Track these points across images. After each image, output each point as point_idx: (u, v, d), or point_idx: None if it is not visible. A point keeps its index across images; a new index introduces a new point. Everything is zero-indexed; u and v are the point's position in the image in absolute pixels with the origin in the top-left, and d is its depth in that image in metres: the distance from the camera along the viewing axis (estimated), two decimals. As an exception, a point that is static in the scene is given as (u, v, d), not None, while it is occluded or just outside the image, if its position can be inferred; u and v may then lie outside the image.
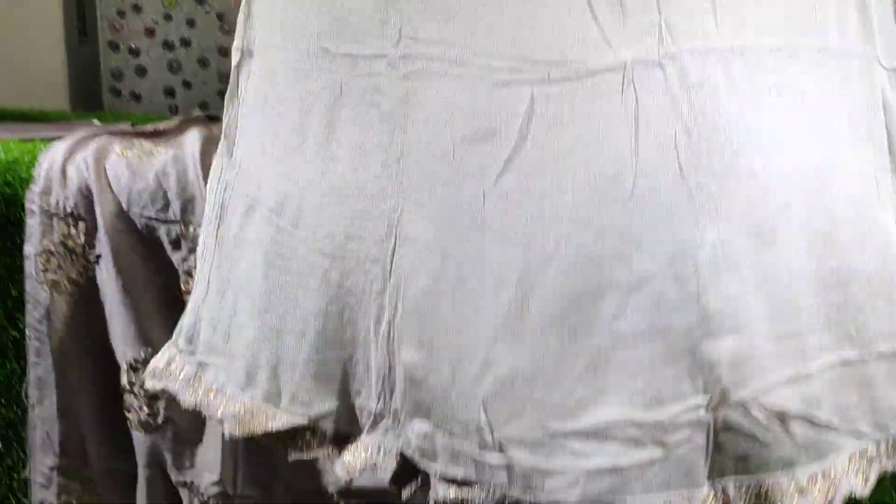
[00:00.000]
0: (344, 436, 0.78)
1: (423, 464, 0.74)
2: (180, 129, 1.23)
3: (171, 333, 0.90)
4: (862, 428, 0.73)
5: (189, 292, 1.05)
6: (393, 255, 0.73)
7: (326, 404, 0.78)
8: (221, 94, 2.10)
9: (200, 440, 1.12)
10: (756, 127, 0.70)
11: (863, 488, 0.72)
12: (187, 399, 0.83)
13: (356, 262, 0.74)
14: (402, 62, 0.72)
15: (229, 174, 0.82)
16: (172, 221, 1.04)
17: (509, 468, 0.70)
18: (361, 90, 0.74)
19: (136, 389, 1.09)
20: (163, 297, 1.08)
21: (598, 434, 0.69)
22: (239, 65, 0.83)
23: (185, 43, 2.07)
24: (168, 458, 1.12)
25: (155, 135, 1.19)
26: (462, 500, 0.72)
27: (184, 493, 1.14)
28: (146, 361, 1.06)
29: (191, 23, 2.05)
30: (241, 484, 1.13)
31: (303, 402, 0.78)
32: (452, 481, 0.72)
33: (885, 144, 0.76)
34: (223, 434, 1.03)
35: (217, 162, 0.84)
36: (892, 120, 0.76)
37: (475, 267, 0.70)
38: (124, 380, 1.09)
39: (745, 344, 0.68)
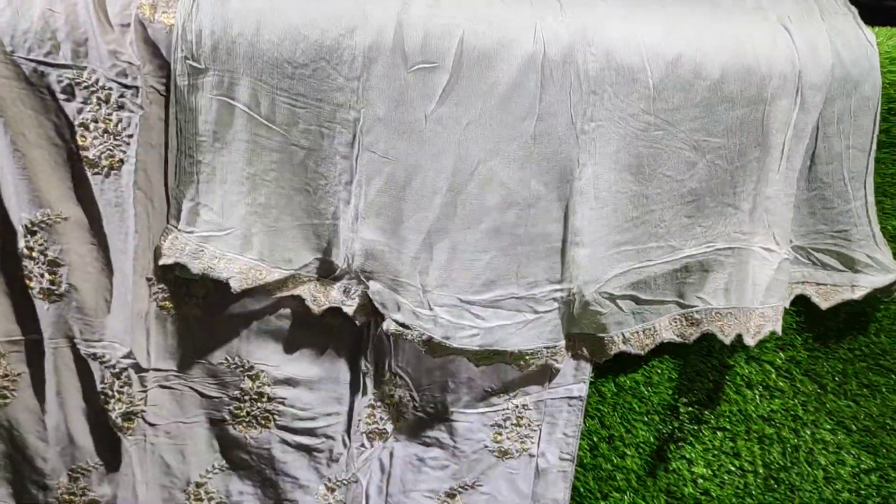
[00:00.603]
0: (320, 278, 1.02)
1: (379, 308, 1.00)
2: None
3: (69, 192, 0.99)
4: (685, 301, 1.02)
5: (86, 148, 0.95)
6: (357, 158, 0.95)
7: (307, 259, 1.01)
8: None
9: (108, 311, 1.04)
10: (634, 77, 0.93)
11: (679, 339, 1.04)
12: (196, 266, 0.98)
13: (328, 155, 0.96)
14: None
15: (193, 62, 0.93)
16: (63, 66, 0.93)
17: (434, 320, 0.99)
18: None
19: (34, 254, 1.00)
20: (57, 152, 0.97)
21: (493, 304, 0.99)
22: None
23: None
24: (75, 328, 1.05)
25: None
26: (401, 335, 1.01)
27: (94, 366, 1.07)
28: (44, 224, 0.97)
29: None
30: (153, 357, 1.07)
31: (288, 259, 1.00)
32: (397, 322, 1.00)
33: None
34: (131, 305, 0.97)
35: (177, 54, 0.92)
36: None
37: (418, 174, 0.95)
38: (21, 244, 0.99)
39: (594, 252, 0.97)
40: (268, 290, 1.01)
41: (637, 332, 1.03)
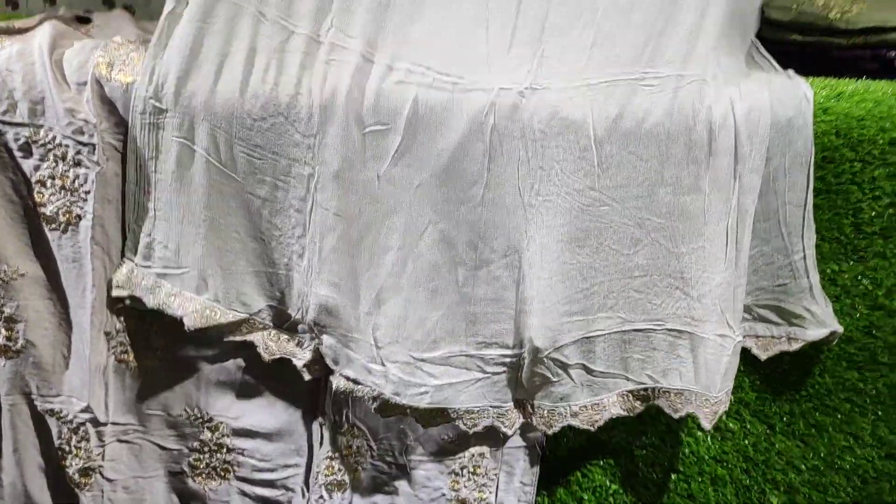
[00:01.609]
0: (274, 327, 1.04)
1: (330, 363, 1.01)
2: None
3: (27, 249, 1.01)
4: (633, 377, 1.01)
5: (44, 204, 0.96)
6: (311, 213, 0.97)
7: (261, 305, 1.02)
8: (105, 1, 1.94)
9: (66, 366, 1.04)
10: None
11: (626, 413, 1.03)
12: (150, 301, 0.99)
13: (283, 207, 0.98)
14: (329, 48, 0.96)
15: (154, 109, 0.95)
16: (20, 124, 0.94)
17: (386, 376, 1.00)
18: (293, 53, 0.95)
19: (-9, 311, 1.00)
20: (14, 209, 0.98)
21: (444, 362, 1.00)
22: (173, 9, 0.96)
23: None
24: (31, 384, 1.05)
25: (9, 32, 1.07)
26: (351, 392, 1.01)
27: (51, 422, 1.07)
28: (0, 280, 0.98)
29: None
30: (112, 410, 1.07)
31: (244, 302, 1.01)
32: (347, 378, 1.01)
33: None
34: (89, 359, 0.97)
35: (140, 92, 0.94)
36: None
37: (370, 232, 0.97)
38: (-23, 300, 0.99)
39: (544, 320, 0.96)
40: (221, 333, 1.02)
41: (586, 407, 1.02)
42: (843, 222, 1.03)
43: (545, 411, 1.02)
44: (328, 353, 1.01)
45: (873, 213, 1.02)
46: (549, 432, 1.02)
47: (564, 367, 0.99)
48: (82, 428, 1.07)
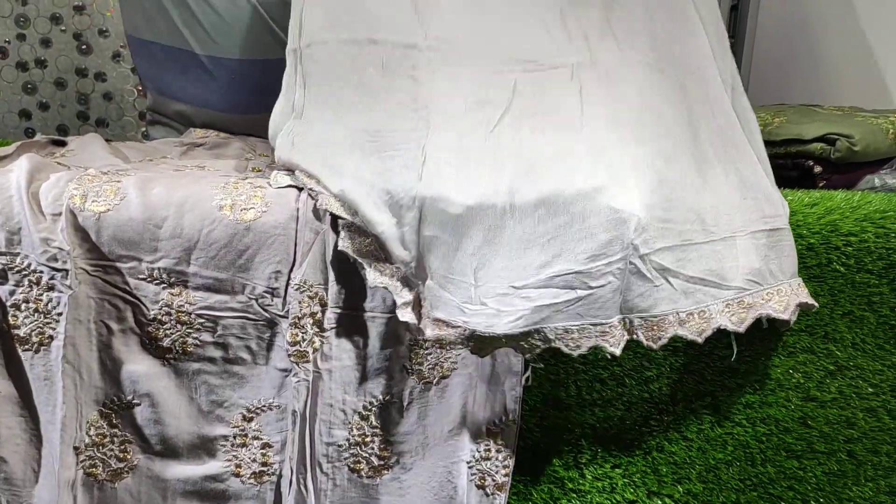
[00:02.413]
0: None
1: (426, 307, 1.03)
2: (18, 155, 1.18)
3: (0, 368, 1.03)
4: (735, 284, 1.03)
5: (17, 326, 1.02)
6: (422, 167, 1.02)
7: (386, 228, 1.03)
8: (80, 115, 2.03)
9: (35, 480, 1.07)
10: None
11: (734, 326, 1.02)
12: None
13: (399, 168, 1.03)
14: (429, 51, 1.09)
15: (299, 131, 1.13)
16: (-2, 253, 1.00)
17: (480, 313, 1.00)
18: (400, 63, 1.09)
19: (-36, 430, 1.04)
20: (-12, 331, 1.03)
21: (546, 284, 0.99)
22: (295, 60, 1.17)
23: (41, 64, 1.99)
24: (2, 499, 1.07)
25: (-13, 161, 1.14)
26: (442, 339, 1.01)
27: (22, 536, 1.09)
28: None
29: (46, 42, 1.97)
30: (81, 522, 1.10)
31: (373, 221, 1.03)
32: (437, 321, 1.01)
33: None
34: (58, 474, 1.01)
35: (287, 127, 1.15)
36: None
37: (476, 181, 1.00)
38: (-48, 420, 1.03)
39: (643, 222, 0.98)
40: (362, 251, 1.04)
41: (692, 314, 1.01)
42: (771, 321, 1.11)
43: (652, 321, 1.01)
44: (427, 296, 1.02)
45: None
46: (656, 347, 1.01)
47: (664, 270, 1.00)
48: (52, 540, 1.09)
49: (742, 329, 1.02)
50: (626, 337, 1.01)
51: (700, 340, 1.01)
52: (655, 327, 1.01)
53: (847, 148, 1.26)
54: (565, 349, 1.00)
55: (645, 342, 1.01)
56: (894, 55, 1.77)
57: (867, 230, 1.09)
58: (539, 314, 0.98)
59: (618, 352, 1.00)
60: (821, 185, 1.28)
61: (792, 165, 1.31)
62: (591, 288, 0.98)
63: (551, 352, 1.02)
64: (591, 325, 1.00)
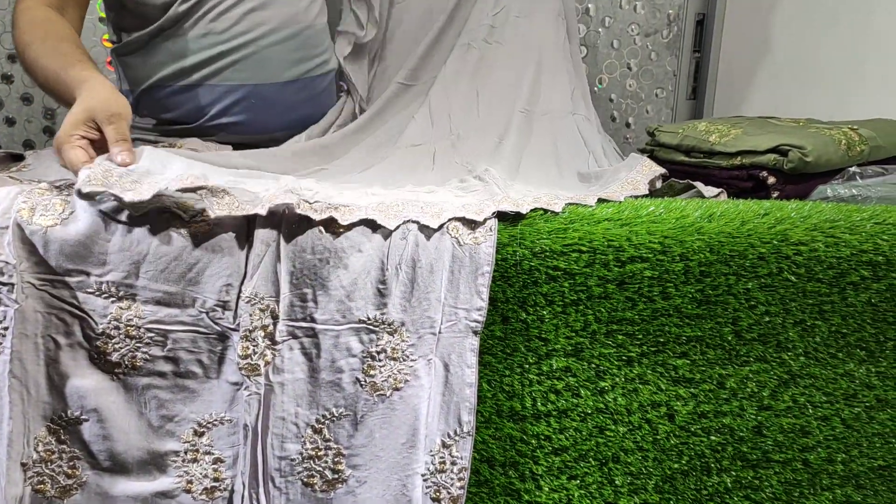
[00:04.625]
0: None
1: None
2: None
3: None
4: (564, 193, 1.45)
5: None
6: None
7: None
8: (47, 130, 2.02)
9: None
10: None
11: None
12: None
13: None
14: None
15: None
16: (-56, 269, 0.99)
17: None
18: None
19: None
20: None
21: None
22: None
23: (7, 79, 1.98)
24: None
25: (-62, 176, 1.13)
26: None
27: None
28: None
29: (12, 58, 1.97)
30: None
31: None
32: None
33: None
34: (5, 490, 0.99)
35: None
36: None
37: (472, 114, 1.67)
38: None
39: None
40: None
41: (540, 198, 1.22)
42: (724, 330, 1.11)
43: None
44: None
45: (751, 321, 1.11)
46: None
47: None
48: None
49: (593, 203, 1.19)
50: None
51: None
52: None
53: (799, 159, 1.27)
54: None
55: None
56: (850, 69, 1.79)
57: (817, 239, 1.10)
58: None
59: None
60: (775, 195, 1.29)
61: (747, 176, 1.32)
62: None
63: None
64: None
